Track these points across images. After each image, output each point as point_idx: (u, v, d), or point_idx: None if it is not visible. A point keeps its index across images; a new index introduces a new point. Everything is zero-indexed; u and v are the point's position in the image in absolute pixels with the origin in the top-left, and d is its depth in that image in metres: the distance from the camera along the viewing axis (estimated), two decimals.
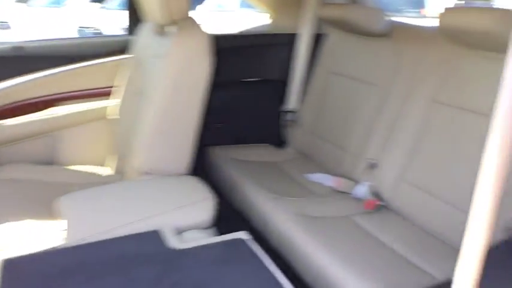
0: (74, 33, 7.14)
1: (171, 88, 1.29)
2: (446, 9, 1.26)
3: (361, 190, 1.53)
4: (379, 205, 1.46)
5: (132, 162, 1.36)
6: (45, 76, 1.66)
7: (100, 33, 6.90)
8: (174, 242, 0.93)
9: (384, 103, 1.56)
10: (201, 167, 1.71)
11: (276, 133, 2.03)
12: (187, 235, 1.00)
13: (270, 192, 1.50)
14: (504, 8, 1.11)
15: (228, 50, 1.86)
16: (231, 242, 0.93)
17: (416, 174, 1.39)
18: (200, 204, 1.12)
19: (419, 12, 6.74)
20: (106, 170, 1.73)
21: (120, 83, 1.69)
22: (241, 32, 2.10)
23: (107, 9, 8.06)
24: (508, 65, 0.41)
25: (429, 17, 6.63)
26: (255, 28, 2.20)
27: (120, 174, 1.61)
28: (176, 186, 1.24)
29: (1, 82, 1.60)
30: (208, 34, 1.32)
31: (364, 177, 1.56)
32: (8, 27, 7.92)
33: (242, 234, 0.98)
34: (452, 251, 1.22)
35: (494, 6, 1.29)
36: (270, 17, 2.23)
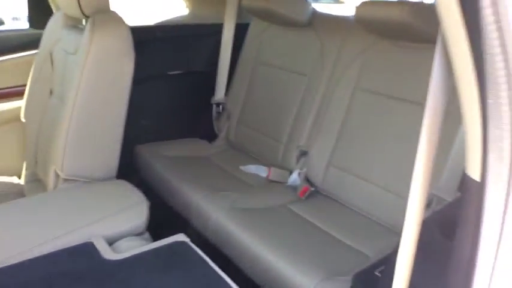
0: None
1: (92, 87, 1.19)
2: (362, 2, 1.33)
3: (295, 178, 1.57)
4: (311, 191, 1.51)
5: (52, 169, 1.25)
6: None
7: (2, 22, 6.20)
8: (109, 253, 0.87)
9: (310, 91, 1.61)
10: (130, 168, 1.63)
11: (206, 126, 2.00)
12: (122, 244, 0.94)
13: (205, 188, 1.48)
14: (413, 1, 1.20)
15: (150, 42, 1.77)
16: (169, 246, 0.90)
17: (344, 158, 1.46)
18: (132, 209, 1.07)
19: None
20: (20, 179, 1.58)
21: (30, 81, 1.53)
22: (161, 23, 2.01)
23: None
24: (436, 56, 0.43)
25: (343, 2, 6.95)
26: (173, 19, 2.12)
27: (37, 182, 1.48)
28: (104, 192, 1.16)
29: None
30: (129, 27, 1.24)
31: (297, 165, 1.60)
32: None
33: (180, 237, 0.95)
34: (383, 229, 1.32)
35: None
36: (186, 6, 2.16)
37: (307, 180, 1.55)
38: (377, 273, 0.87)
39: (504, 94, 0.33)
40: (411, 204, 0.49)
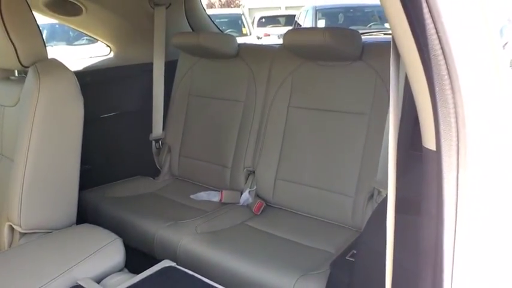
0: None
1: (44, 136, 1.18)
2: (289, 31, 1.54)
3: (246, 197, 1.68)
4: (264, 206, 1.63)
5: (4, 225, 1.18)
6: None
7: None
8: None
9: (247, 115, 1.75)
10: (79, 216, 1.59)
11: (148, 163, 2.01)
12: (109, 281, 0.95)
13: (164, 220, 1.50)
14: (329, 27, 1.42)
15: (82, 86, 1.77)
16: (159, 273, 0.93)
17: (289, 171, 1.60)
18: (109, 247, 1.07)
19: (240, 31, 7.49)
20: None
21: None
22: (88, 67, 2.01)
23: None
24: (391, 64, 0.58)
25: (247, 35, 7.44)
26: (100, 62, 2.13)
27: None
28: (73, 237, 1.14)
29: None
30: (73, 74, 1.26)
31: (246, 185, 1.71)
32: None
33: (166, 263, 0.99)
34: (335, 227, 1.47)
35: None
36: (111, 50, 2.20)
37: (258, 196, 1.67)
38: (348, 258, 1.01)
39: (446, 82, 0.48)
40: (390, 191, 0.61)
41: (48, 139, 1.20)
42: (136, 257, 1.46)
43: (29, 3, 1.69)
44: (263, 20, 9.64)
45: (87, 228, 1.18)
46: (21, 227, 1.15)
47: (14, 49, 1.19)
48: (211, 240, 1.36)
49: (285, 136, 1.62)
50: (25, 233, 1.17)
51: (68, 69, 1.25)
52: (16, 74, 1.32)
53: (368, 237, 0.91)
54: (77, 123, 1.25)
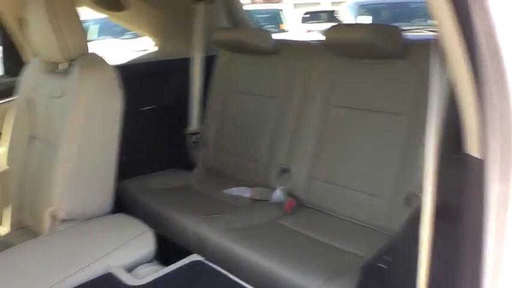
0: None
1: (84, 126, 1.22)
2: (330, 27, 1.51)
3: (278, 195, 1.66)
4: (296, 205, 1.61)
5: (45, 212, 1.24)
6: None
7: None
8: (132, 280, 0.90)
9: (284, 112, 1.73)
10: (117, 203, 1.64)
11: (183, 157, 2.05)
12: (139, 270, 0.97)
13: (194, 214, 1.52)
14: (373, 23, 1.38)
15: (123, 80, 1.82)
16: (187, 266, 0.94)
17: (324, 170, 1.58)
18: (140, 239, 1.09)
19: (278, 27, 7.43)
20: (1, 228, 1.53)
21: (6, 129, 1.52)
22: (131, 61, 2.07)
23: None
24: (433, 67, 0.55)
25: (287, 30, 7.37)
26: (142, 57, 2.19)
27: (23, 230, 1.45)
28: (108, 226, 1.18)
29: None
30: (114, 68, 1.30)
31: (278, 182, 1.69)
32: None
33: (194, 257, 1.00)
34: (368, 230, 1.43)
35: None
36: (156, 44, 2.26)
37: (291, 195, 1.65)
38: (380, 265, 0.97)
39: (495, 86, 0.45)
40: (425, 197, 0.58)
41: (89, 129, 1.24)
42: (168, 249, 1.49)
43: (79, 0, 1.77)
44: (307, 15, 9.51)
45: (121, 218, 1.22)
46: (61, 213, 1.20)
47: (59, 43, 1.23)
48: (240, 236, 1.37)
49: (321, 134, 1.60)
50: (65, 220, 1.21)
51: (108, 63, 1.29)
52: (60, 68, 1.37)
53: (403, 244, 0.88)
54: (116, 115, 1.28)
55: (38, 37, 1.30)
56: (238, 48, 1.87)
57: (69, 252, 1.02)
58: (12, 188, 1.49)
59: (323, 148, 1.59)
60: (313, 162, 1.60)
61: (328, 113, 1.59)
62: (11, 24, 1.60)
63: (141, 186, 1.77)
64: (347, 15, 6.50)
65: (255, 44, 1.78)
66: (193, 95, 2.02)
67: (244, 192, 1.75)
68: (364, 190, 1.45)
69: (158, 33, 2.10)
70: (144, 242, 1.10)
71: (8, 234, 1.48)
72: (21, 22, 1.55)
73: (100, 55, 1.33)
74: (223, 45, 1.94)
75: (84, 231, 1.15)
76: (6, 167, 1.50)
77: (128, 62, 1.99)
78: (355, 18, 6.21)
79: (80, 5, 1.84)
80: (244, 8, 2.24)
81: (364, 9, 6.40)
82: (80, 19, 1.30)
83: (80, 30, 1.28)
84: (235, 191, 1.77)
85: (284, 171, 1.69)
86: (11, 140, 1.49)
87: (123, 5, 1.83)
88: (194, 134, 2.03)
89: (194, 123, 2.03)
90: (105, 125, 1.28)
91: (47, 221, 1.24)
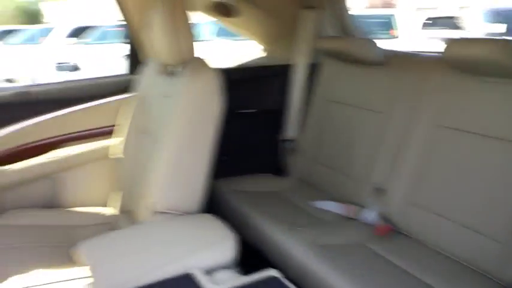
0: (52, 69, 7.09)
1: (183, 127, 1.30)
2: (451, 40, 1.35)
3: (370, 215, 1.56)
4: (390, 230, 1.49)
5: (143, 202, 1.34)
6: (49, 119, 1.65)
7: (77, 68, 6.88)
8: (210, 285, 0.92)
9: (386, 129, 1.62)
10: (209, 201, 1.71)
11: (276, 162, 2.05)
12: (217, 276, 0.99)
13: (280, 223, 1.51)
14: (504, 38, 1.20)
15: (226, 83, 1.90)
16: (264, 281, 0.93)
17: (425, 197, 1.43)
18: (223, 243, 1.12)
19: (389, 33, 7.02)
20: (109, 210, 1.70)
21: (122, 121, 1.69)
22: (238, 66, 2.15)
23: (84, 43, 8.11)
24: None
25: (397, 37, 6.92)
26: (250, 61, 2.26)
27: (125, 214, 1.59)
28: (195, 226, 1.23)
29: (5, 127, 1.58)
30: (217, 73, 1.35)
31: (370, 202, 1.59)
32: None
33: (272, 272, 0.98)
34: (473, 273, 1.25)
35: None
36: (264, 49, 2.31)
37: (384, 218, 1.53)
38: None
39: None
40: None
41: (189, 129, 1.31)
42: (249, 254, 1.50)
43: (195, 5, 1.90)
44: (429, 21, 8.81)
45: (208, 219, 1.26)
46: (156, 205, 1.29)
47: (171, 47, 1.32)
48: (325, 254, 1.31)
49: (426, 157, 1.45)
50: (159, 212, 1.30)
51: (211, 68, 1.35)
52: (171, 69, 1.47)
53: None
54: (215, 117, 1.34)
55: (155, 40, 1.41)
56: (343, 57, 1.80)
57: (150, 246, 1.09)
58: (123, 175, 1.65)
59: (427, 172, 1.44)
60: (414, 186, 1.46)
61: (437, 134, 1.43)
62: (136, 27, 1.78)
63: (232, 187, 1.82)
64: (477, 22, 5.85)
65: (360, 54, 1.69)
66: (293, 101, 2.01)
67: (335, 207, 1.68)
68: (473, 227, 1.27)
69: (265, 39, 2.13)
70: (227, 247, 1.12)
71: (114, 215, 1.64)
72: (144, 25, 1.71)
73: (205, 59, 1.39)
74: (328, 54, 1.89)
75: (172, 227, 1.21)
76: (121, 156, 1.66)
77: (235, 66, 2.07)
78: (486, 25, 5.55)
79: (195, 10, 1.97)
80: (359, 12, 2.15)
81: (501, 16, 5.69)
82: (191, 25, 1.38)
83: (190, 35, 1.36)
84: (325, 204, 1.71)
85: (379, 191, 1.58)
86: (128, 132, 1.65)
87: (235, 12, 1.90)
88: (290, 141, 2.02)
89: (291, 130, 2.02)
90: (205, 125, 1.35)
91: (143, 211, 1.34)
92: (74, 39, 8.46)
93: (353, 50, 1.70)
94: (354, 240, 1.45)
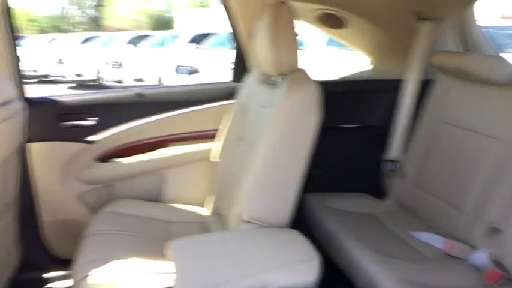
0: (172, 71, 7.80)
1: (279, 138, 1.29)
2: None
3: (480, 258, 1.36)
4: (503, 278, 1.28)
5: (234, 208, 1.37)
6: (159, 119, 1.79)
7: (196, 71, 7.43)
8: None
9: (507, 159, 1.40)
10: (297, 215, 1.68)
11: (375, 182, 1.93)
12: None
13: (372, 250, 1.40)
14: None
15: (328, 96, 1.85)
16: None
17: None
18: (305, 264, 1.08)
19: None
20: (204, 210, 1.78)
21: (224, 127, 1.75)
22: (341, 78, 2.08)
23: (202, 49, 8.77)
24: None
25: None
26: (355, 74, 2.17)
27: (216, 215, 1.65)
28: (280, 241, 1.21)
29: (124, 124, 1.76)
30: (317, 86, 1.32)
31: (482, 242, 1.38)
32: (120, 67, 8.96)
33: None
34: None
35: None
36: (371, 62, 2.20)
37: (497, 263, 1.32)
38: None
39: None
40: None
41: (283, 140, 1.30)
42: (333, 277, 1.43)
43: (301, 16, 1.89)
44: None
45: (294, 235, 1.23)
46: (244, 214, 1.30)
47: (274, 58, 1.33)
48: None
49: None
50: (247, 221, 1.31)
51: (313, 82, 1.32)
52: (272, 80, 1.48)
53: None
54: (311, 130, 1.31)
55: (258, 50, 1.44)
56: (461, 74, 1.61)
57: (236, 255, 1.10)
58: (217, 179, 1.71)
59: None
60: None
61: None
62: (243, 36, 1.84)
63: (323, 204, 1.76)
64: None
65: (483, 72, 1.49)
66: (400, 119, 1.86)
67: (437, 241, 1.51)
68: None
69: (373, 52, 2.03)
70: (310, 268, 1.08)
71: (207, 216, 1.71)
72: (250, 35, 1.76)
73: (307, 71, 1.37)
74: (443, 70, 1.71)
75: (257, 239, 1.21)
76: (218, 160, 1.73)
77: (338, 78, 2.00)
78: None
79: (301, 20, 1.96)
80: (490, 23, 1.91)
81: None
82: (296, 37, 1.36)
83: (294, 47, 1.35)
84: (426, 236, 1.54)
85: (494, 230, 1.37)
86: (225, 137, 1.71)
87: (343, 23, 1.84)
88: (392, 161, 1.88)
89: (395, 150, 1.88)
90: (300, 138, 1.32)
91: (232, 217, 1.37)
92: (194, 45, 9.22)
93: (475, 67, 1.50)
94: (458, 285, 1.28)
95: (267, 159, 1.29)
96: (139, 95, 1.80)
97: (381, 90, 1.98)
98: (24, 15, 26.78)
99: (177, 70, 7.82)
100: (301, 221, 1.65)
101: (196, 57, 8.01)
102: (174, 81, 7.62)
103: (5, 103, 1.30)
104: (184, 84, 2.16)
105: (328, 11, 1.83)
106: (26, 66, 11.11)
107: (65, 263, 1.63)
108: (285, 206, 1.33)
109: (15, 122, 1.39)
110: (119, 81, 9.00)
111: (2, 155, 1.34)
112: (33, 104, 1.67)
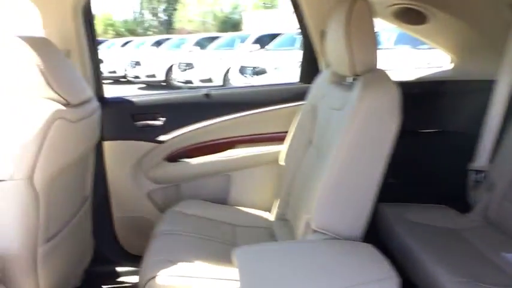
0: (237, 71, 7.92)
1: (353, 144, 1.19)
2: None
3: None
4: None
5: (302, 216, 1.30)
6: (227, 120, 1.78)
7: (262, 71, 7.46)
8: None
9: None
10: (370, 226, 1.57)
11: (458, 194, 1.74)
12: None
13: (457, 271, 1.25)
14: None
15: (405, 98, 1.71)
16: None
17: None
18: (383, 283, 0.98)
19: None
20: (270, 215, 1.74)
21: (292, 129, 1.69)
22: (419, 79, 1.92)
23: (266, 50, 8.82)
24: None
25: None
26: (433, 74, 2.00)
27: (282, 221, 1.59)
28: (353, 255, 1.11)
29: (192, 124, 1.77)
30: (397, 87, 1.20)
31: None
32: (190, 68, 9.31)
33: None
34: None
35: None
36: (452, 61, 2.01)
37: None
38: None
39: None
40: None
41: (358, 147, 1.20)
42: None
43: (377, 11, 1.76)
44: None
45: (369, 250, 1.13)
46: (314, 223, 1.22)
47: (349, 57, 1.24)
48: None
49: None
50: (316, 231, 1.23)
51: (392, 83, 1.20)
52: (347, 80, 1.39)
53: None
54: (389, 136, 1.19)
55: (331, 49, 1.35)
56: None
57: (304, 269, 1.03)
58: (283, 183, 1.65)
59: None
60: None
61: None
62: (314, 35, 1.76)
63: (400, 215, 1.62)
64: None
65: None
66: (489, 125, 1.67)
67: None
68: None
69: (457, 49, 1.84)
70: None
71: (273, 221, 1.66)
72: (322, 34, 1.67)
73: (386, 71, 1.26)
74: None
75: (328, 252, 1.13)
76: (286, 163, 1.67)
77: (416, 78, 1.85)
78: None
79: (377, 16, 1.83)
80: None
81: None
82: (374, 35, 1.26)
83: (372, 46, 1.25)
84: None
85: None
86: (291, 139, 1.65)
87: (425, 18, 1.68)
88: (479, 171, 1.69)
89: (482, 159, 1.69)
90: (376, 144, 1.21)
91: (300, 226, 1.30)
92: (258, 46, 9.32)
93: None
94: None
95: (340, 166, 1.20)
96: (207, 96, 1.80)
97: (464, 92, 1.79)
98: (104, 21, 28.92)
99: (241, 71, 7.90)
100: (375, 234, 1.53)
101: (263, 58, 8.04)
102: (240, 81, 7.73)
103: (85, 102, 1.36)
104: (251, 85, 2.13)
105: (408, 6, 1.69)
106: (105, 67, 12.02)
107: (134, 259, 1.68)
108: (358, 216, 1.24)
109: (94, 121, 1.45)
110: (189, 82, 9.33)
111: (82, 151, 1.40)
112: (109, 103, 1.74)
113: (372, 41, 1.24)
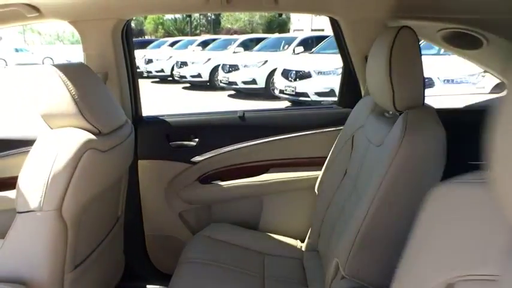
0: (279, 75, 7.82)
1: (392, 188, 1.09)
2: None
3: None
4: None
5: (334, 257, 1.22)
6: (261, 143, 1.73)
7: (307, 75, 7.32)
8: None
9: None
10: None
11: None
12: None
13: None
14: None
15: (453, 127, 1.57)
16: None
17: None
18: None
19: None
20: (300, 243, 1.67)
21: (328, 156, 1.61)
22: (470, 106, 1.77)
23: (310, 53, 8.61)
24: None
25: None
26: (485, 102, 1.83)
27: (313, 252, 1.53)
28: None
29: (227, 146, 1.74)
30: (443, 130, 1.08)
31: None
32: (237, 69, 9.35)
33: None
34: None
35: None
36: (508, 87, 1.82)
37: None
38: None
39: None
40: None
41: (397, 192, 1.10)
42: None
43: (427, 35, 1.64)
44: None
45: None
46: (343, 268, 1.14)
47: (391, 92, 1.14)
48: None
49: None
50: (344, 278, 1.15)
51: (439, 123, 1.09)
52: (388, 114, 1.29)
53: None
54: (431, 185, 1.08)
55: (372, 79, 1.26)
56: None
57: None
58: (317, 212, 1.58)
59: None
60: None
61: None
62: (358, 60, 1.66)
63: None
64: None
65: None
66: None
67: None
68: None
69: None
70: None
71: (304, 252, 1.60)
72: (365, 60, 1.57)
73: (432, 109, 1.15)
74: None
75: None
76: (320, 191, 1.60)
77: (466, 106, 1.70)
78: None
79: (424, 40, 1.70)
80: None
81: None
82: (421, 67, 1.15)
83: (418, 81, 1.14)
84: None
85: None
86: (327, 167, 1.57)
87: (480, 42, 1.53)
88: None
89: None
90: (418, 190, 1.10)
91: (331, 268, 1.22)
92: (301, 48, 9.17)
93: None
94: None
95: (374, 212, 1.10)
96: (242, 118, 1.76)
97: None
98: (155, 19, 29.79)
99: (284, 74, 7.79)
100: None
101: (307, 61, 7.88)
102: (283, 84, 7.63)
103: (117, 129, 1.36)
104: (287, 108, 2.06)
105: (459, 30, 1.55)
106: (154, 67, 12.37)
107: (164, 277, 1.68)
108: (392, 265, 1.14)
109: (127, 146, 1.46)
110: (233, 83, 9.38)
111: (115, 177, 1.41)
112: (145, 123, 1.75)
113: (418, 76, 1.14)
